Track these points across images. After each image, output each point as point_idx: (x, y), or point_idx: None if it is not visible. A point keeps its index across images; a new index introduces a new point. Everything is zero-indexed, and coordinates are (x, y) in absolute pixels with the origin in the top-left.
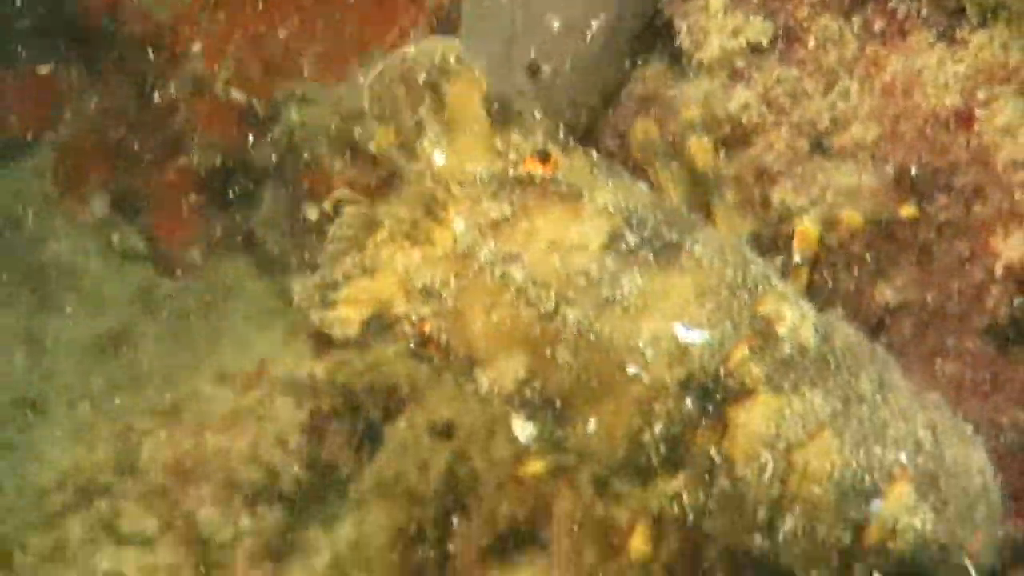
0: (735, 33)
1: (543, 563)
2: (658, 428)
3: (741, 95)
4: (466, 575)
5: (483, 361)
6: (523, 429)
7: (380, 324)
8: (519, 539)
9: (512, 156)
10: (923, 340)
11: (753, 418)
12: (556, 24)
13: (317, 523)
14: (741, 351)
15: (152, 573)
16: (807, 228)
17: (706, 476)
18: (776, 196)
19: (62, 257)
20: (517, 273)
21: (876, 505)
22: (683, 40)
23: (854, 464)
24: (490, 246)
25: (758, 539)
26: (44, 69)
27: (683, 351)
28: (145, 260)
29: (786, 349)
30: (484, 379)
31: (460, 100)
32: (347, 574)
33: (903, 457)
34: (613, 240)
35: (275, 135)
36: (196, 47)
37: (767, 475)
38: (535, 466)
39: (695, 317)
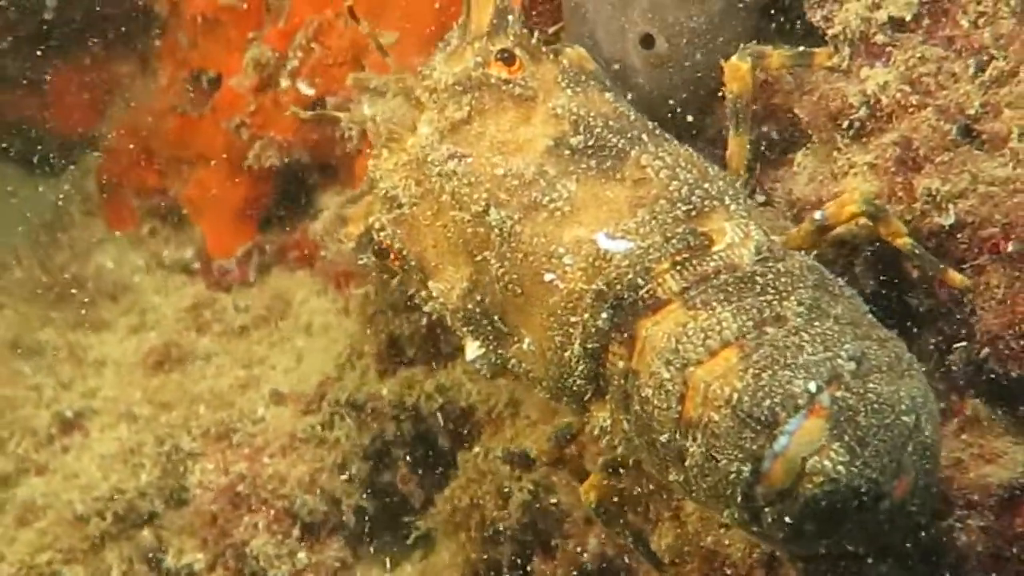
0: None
1: None
2: (577, 343)
3: (880, 74)
4: None
5: (433, 272)
6: (471, 350)
7: (368, 239)
8: None
9: (479, 59)
10: None
11: (657, 332)
12: None
13: (380, 559)
14: (663, 264)
15: None
16: (851, 195)
17: (624, 399)
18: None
19: (106, 270)
20: (455, 174)
21: (782, 441)
22: (814, 13)
23: (754, 388)
24: (442, 149)
25: (672, 473)
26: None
27: (603, 260)
28: (195, 273)
29: (712, 265)
30: (435, 292)
31: (478, 12)
32: None
33: (812, 386)
34: (558, 144)
35: (343, 132)
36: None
37: (664, 394)
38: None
39: (623, 226)
